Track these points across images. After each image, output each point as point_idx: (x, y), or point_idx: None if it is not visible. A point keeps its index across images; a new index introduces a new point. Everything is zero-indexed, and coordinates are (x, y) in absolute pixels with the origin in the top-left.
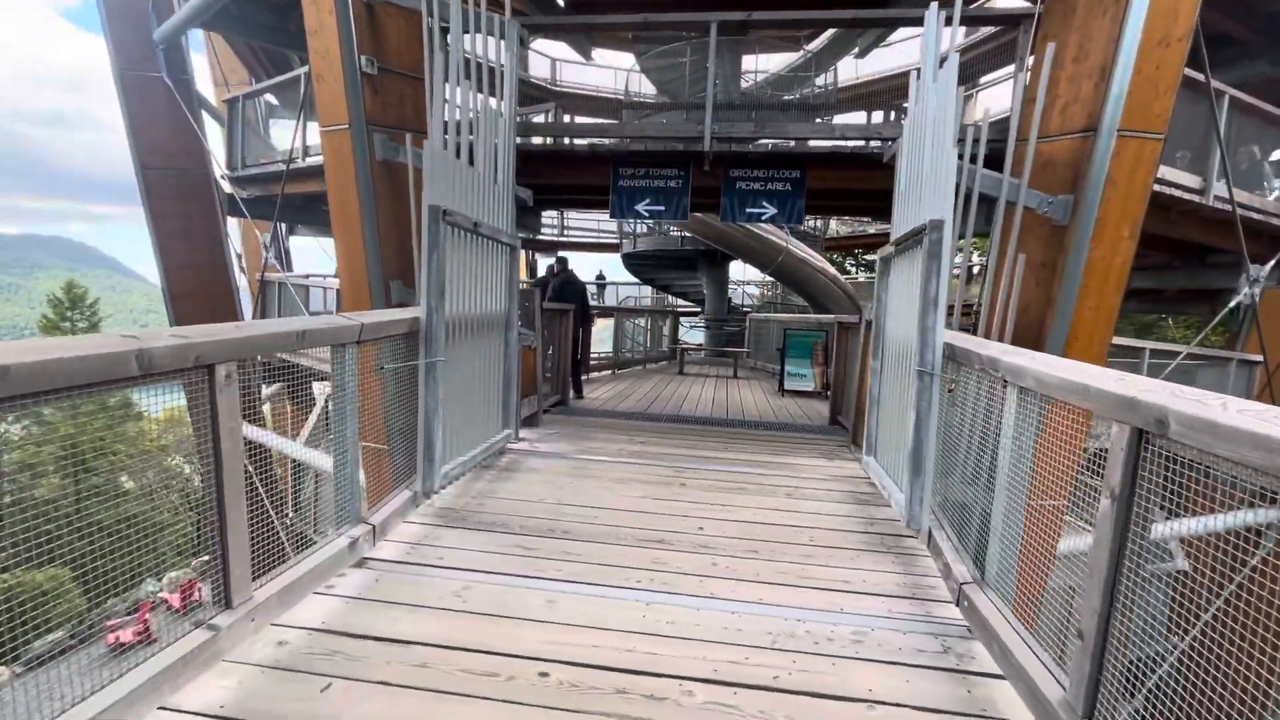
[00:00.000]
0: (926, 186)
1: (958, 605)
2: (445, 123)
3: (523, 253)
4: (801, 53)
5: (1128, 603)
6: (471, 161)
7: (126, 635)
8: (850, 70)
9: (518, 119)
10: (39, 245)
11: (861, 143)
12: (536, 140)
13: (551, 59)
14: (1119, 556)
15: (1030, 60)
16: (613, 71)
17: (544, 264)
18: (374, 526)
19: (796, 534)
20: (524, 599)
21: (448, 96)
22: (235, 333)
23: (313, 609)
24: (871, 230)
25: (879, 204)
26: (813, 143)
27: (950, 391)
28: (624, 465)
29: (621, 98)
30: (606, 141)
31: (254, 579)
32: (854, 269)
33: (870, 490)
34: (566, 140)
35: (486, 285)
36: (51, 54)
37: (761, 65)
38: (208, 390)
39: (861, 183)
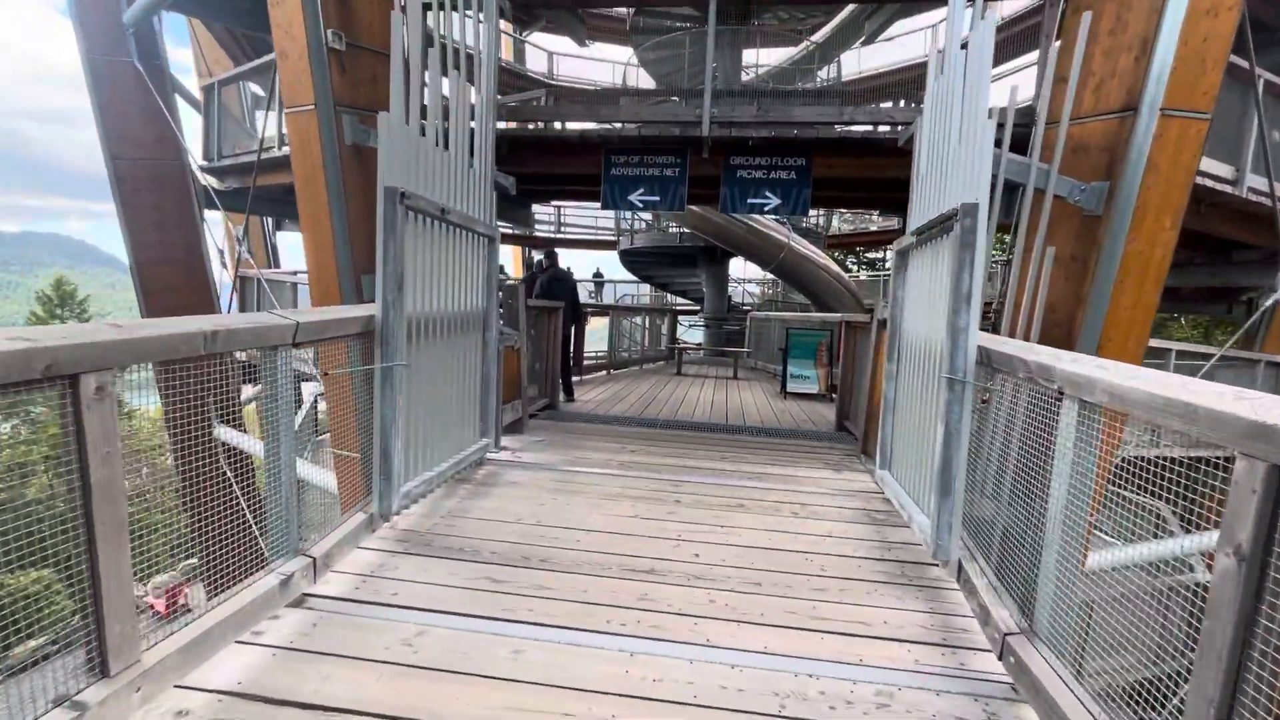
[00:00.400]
0: (954, 168)
1: (1000, 659)
2: (408, 92)
3: (518, 249)
4: (803, 45)
5: (1257, 694)
6: (447, 145)
7: None
8: (853, 65)
9: (499, 100)
10: (39, 243)
11: (871, 128)
12: (530, 126)
13: (548, 52)
14: (1247, 634)
15: (1057, 42)
16: (610, 65)
17: None
18: (314, 559)
19: (804, 562)
20: (487, 649)
21: (419, 69)
22: (107, 335)
23: (230, 664)
24: (874, 228)
25: (891, 194)
26: (819, 129)
27: (984, 402)
28: (613, 478)
29: (619, 90)
30: (597, 126)
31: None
32: (856, 267)
33: (885, 508)
34: (558, 126)
35: (460, 280)
36: (51, 53)
37: (763, 60)
38: (71, 407)
39: (873, 171)
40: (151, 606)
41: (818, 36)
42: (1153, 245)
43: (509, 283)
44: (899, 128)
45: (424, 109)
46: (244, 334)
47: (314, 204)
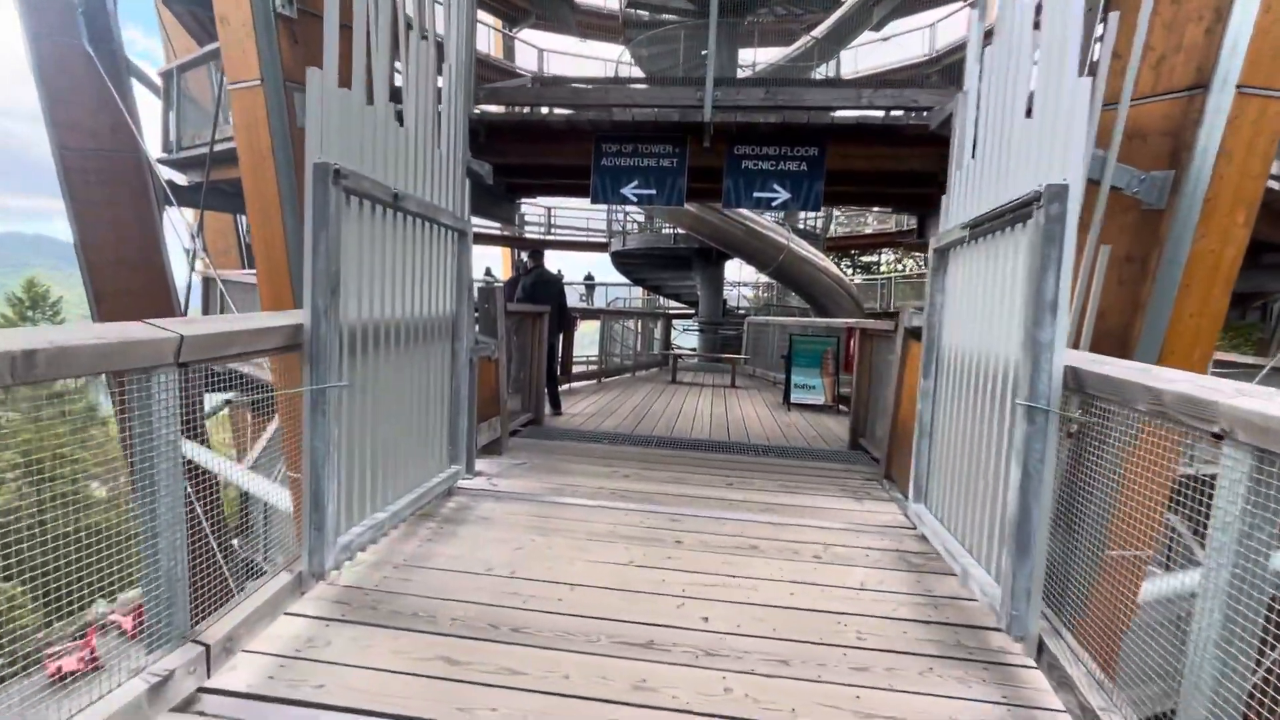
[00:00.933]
0: (1022, 145)
1: None
2: (350, 47)
3: (507, 250)
4: (804, 40)
5: None
6: (407, 122)
7: (70, 663)
8: (849, 66)
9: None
10: (25, 244)
11: (885, 113)
12: (496, 109)
13: (539, 49)
14: None
15: (1112, 14)
16: (602, 63)
17: None
18: (207, 647)
19: (837, 627)
20: None
21: (366, 22)
22: None
23: None
24: (868, 230)
25: (908, 189)
26: (835, 115)
27: (1070, 435)
28: (604, 511)
29: (612, 79)
30: (589, 115)
31: None
32: (851, 270)
33: (921, 549)
34: (545, 112)
35: (421, 280)
36: None
37: (760, 59)
38: None
39: (891, 163)
40: (118, 624)
41: (818, 31)
42: (1224, 243)
43: (493, 284)
44: (918, 113)
45: (397, 92)
46: (84, 353)
47: (262, 194)
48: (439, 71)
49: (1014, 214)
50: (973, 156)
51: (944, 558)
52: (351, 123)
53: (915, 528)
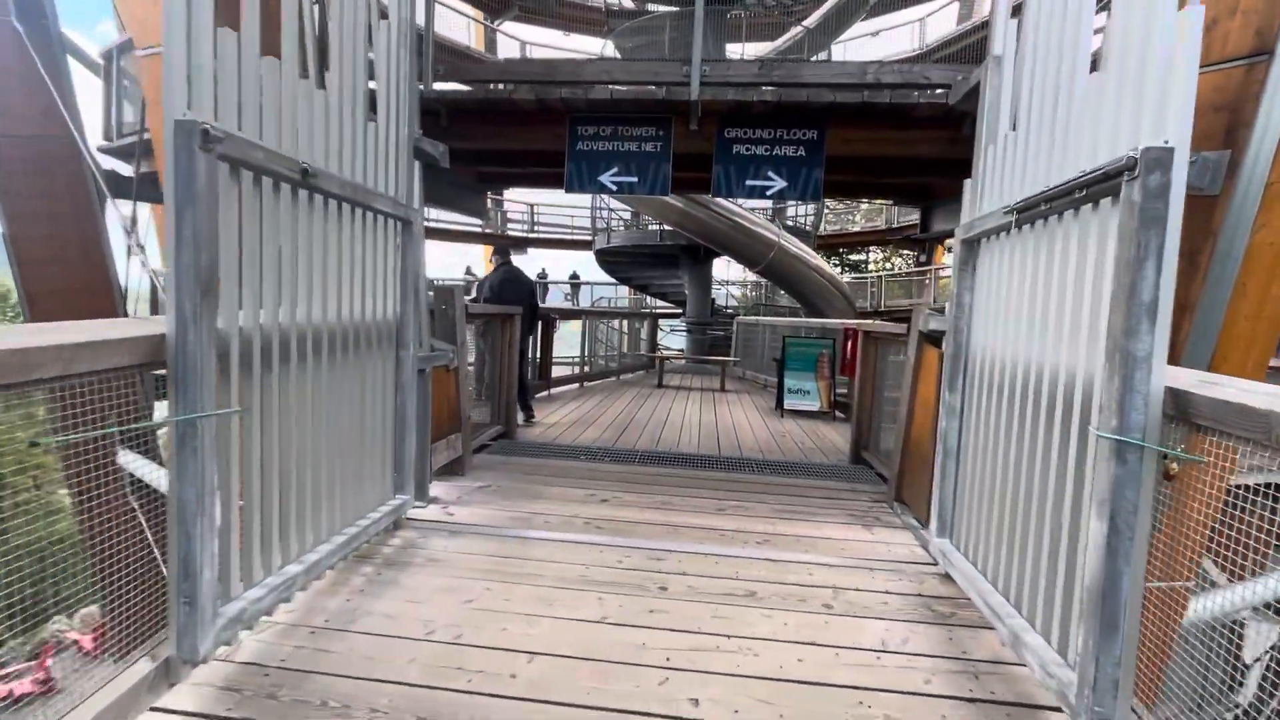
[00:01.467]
0: (1089, 102)
1: None
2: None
3: (486, 249)
4: (794, 32)
5: None
6: (321, 82)
7: (24, 686)
8: (839, 59)
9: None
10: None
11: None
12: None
13: (521, 41)
14: None
15: None
16: (586, 57)
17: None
18: None
19: (860, 710)
20: None
21: None
22: None
23: None
24: (856, 228)
25: (914, 179)
26: (837, 93)
27: (1168, 478)
28: (576, 549)
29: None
30: (561, 92)
31: None
32: (839, 269)
33: (947, 593)
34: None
35: (351, 278)
36: None
37: (749, 55)
38: None
39: (898, 147)
40: (77, 643)
41: (810, 21)
42: None
43: (471, 283)
44: (931, 92)
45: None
46: None
47: None
48: (378, 27)
49: (1088, 190)
50: (1013, 129)
51: (982, 611)
52: (238, 74)
53: (936, 563)
